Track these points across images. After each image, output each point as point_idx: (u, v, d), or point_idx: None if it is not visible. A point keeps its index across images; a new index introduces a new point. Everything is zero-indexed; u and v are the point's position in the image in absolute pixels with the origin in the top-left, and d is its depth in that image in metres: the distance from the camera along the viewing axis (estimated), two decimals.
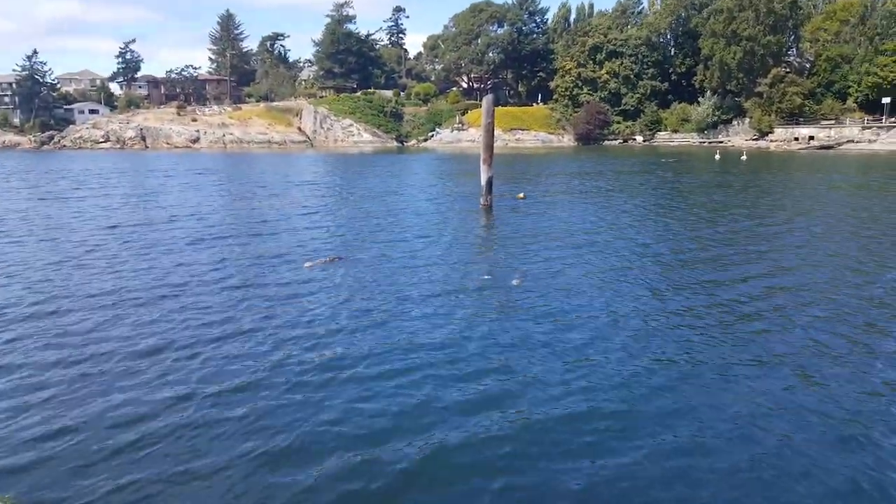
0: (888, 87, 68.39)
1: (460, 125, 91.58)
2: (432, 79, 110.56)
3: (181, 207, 27.06)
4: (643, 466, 6.75)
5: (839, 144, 68.78)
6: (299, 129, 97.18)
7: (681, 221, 23.29)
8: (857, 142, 68.26)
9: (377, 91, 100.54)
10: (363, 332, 10.78)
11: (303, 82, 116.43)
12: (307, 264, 15.63)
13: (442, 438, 7.31)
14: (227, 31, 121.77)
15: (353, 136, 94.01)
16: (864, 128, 69.89)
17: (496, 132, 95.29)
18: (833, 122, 72.56)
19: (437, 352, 9.91)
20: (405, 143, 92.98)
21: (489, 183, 26.88)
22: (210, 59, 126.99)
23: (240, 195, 31.85)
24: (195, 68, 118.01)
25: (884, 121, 69.36)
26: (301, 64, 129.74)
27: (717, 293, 13.23)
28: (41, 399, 8.33)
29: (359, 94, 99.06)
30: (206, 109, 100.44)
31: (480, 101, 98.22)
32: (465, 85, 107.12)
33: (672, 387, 8.68)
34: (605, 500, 6.25)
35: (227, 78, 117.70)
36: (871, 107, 71.37)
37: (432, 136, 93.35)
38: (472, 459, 6.90)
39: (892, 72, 68.22)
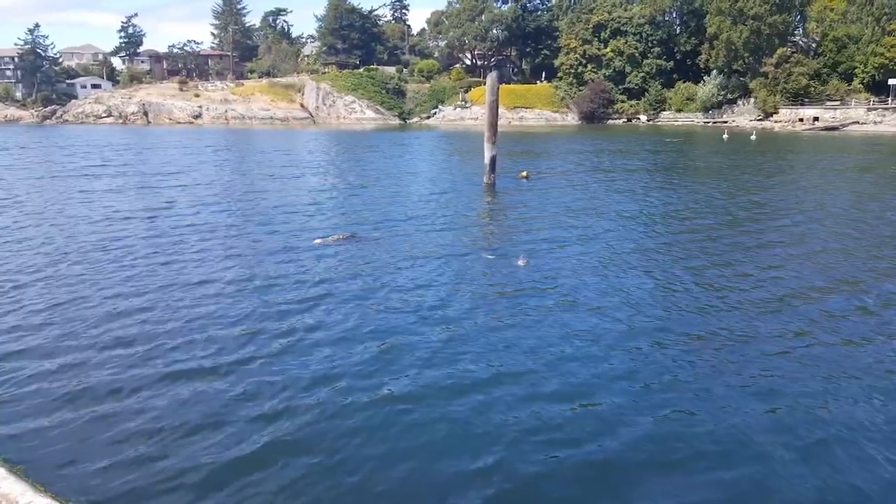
0: (894, 67, 67.90)
1: (463, 102, 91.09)
2: (436, 55, 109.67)
3: (188, 184, 27.17)
4: (651, 448, 6.97)
5: (844, 126, 68.36)
6: (301, 105, 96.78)
7: (692, 203, 23.29)
8: (863, 123, 67.84)
9: (380, 67, 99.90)
10: (374, 309, 10.97)
11: (305, 58, 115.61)
12: (317, 240, 15.82)
13: (450, 413, 7.53)
14: (230, 6, 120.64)
15: (355, 112, 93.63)
16: (869, 109, 69.44)
17: (500, 110, 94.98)
18: (838, 103, 72.08)
19: (443, 328, 10.12)
20: (408, 121, 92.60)
21: (493, 161, 26.96)
22: (212, 34, 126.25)
23: (247, 172, 31.92)
24: (197, 43, 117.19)
25: (890, 102, 68.94)
26: (304, 39, 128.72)
27: (727, 273, 13.40)
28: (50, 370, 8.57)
29: (361, 70, 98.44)
30: (209, 85, 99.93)
31: (484, 78, 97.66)
32: (468, 62, 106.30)
33: (677, 364, 8.89)
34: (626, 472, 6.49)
35: (229, 53, 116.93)
36: (877, 88, 70.92)
37: (435, 113, 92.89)
38: (482, 430, 7.13)
39: None
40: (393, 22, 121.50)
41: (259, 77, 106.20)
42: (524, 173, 29.84)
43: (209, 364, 8.75)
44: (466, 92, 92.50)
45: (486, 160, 26.95)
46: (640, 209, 21.55)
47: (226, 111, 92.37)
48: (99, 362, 8.79)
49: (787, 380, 8.38)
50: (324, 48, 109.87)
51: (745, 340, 9.72)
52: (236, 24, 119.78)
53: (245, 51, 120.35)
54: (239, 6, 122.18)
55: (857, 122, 68.43)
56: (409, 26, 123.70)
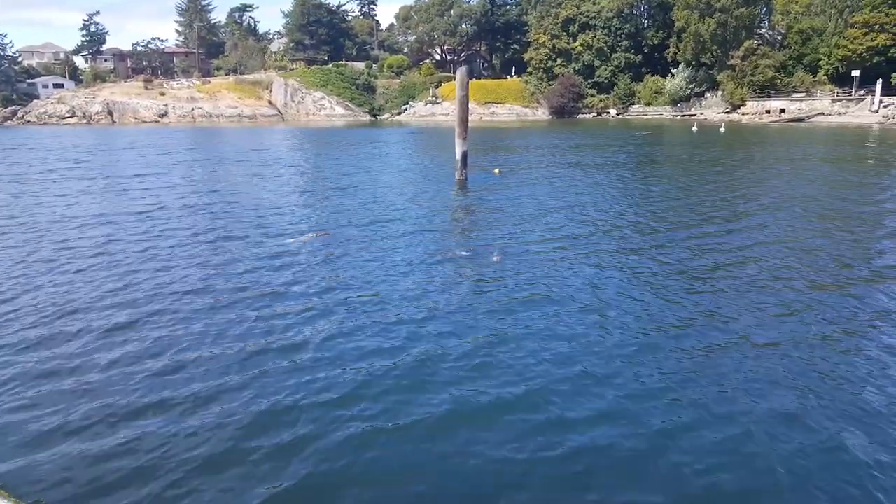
0: (857, 60, 69.06)
1: (434, 98, 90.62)
2: (405, 51, 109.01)
3: (160, 186, 26.35)
4: (628, 440, 6.73)
5: (810, 117, 69.42)
6: (270, 102, 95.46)
7: (666, 195, 23.23)
8: (828, 114, 68.91)
9: (349, 63, 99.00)
10: (350, 307, 10.61)
11: (273, 55, 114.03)
12: (291, 240, 15.42)
13: (426, 410, 7.20)
14: (195, 3, 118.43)
15: (324, 109, 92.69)
16: (834, 100, 70.57)
17: (470, 105, 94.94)
18: (804, 94, 73.16)
19: (420, 325, 9.77)
20: (378, 117, 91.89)
21: (464, 157, 26.66)
22: (177, 31, 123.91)
23: (219, 172, 31.09)
24: (162, 41, 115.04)
25: (853, 93, 70.12)
26: (271, 36, 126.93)
27: (706, 263, 13.25)
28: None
29: (330, 66, 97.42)
30: (175, 83, 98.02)
31: (454, 73, 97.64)
32: (438, 57, 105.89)
33: (645, 355, 8.66)
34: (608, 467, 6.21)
35: (195, 51, 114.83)
36: (841, 80, 72.11)
37: (406, 109, 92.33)
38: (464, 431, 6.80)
39: (861, 45, 68.73)
40: (361, 17, 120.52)
41: (226, 74, 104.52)
42: (497, 169, 29.59)
43: (197, 375, 8.29)
44: (437, 87, 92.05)
45: (458, 156, 26.65)
46: (613, 203, 21.42)
47: (192, 109, 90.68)
48: (61, 367, 8.27)
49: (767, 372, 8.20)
50: (291, 44, 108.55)
51: (727, 329, 9.53)
52: (201, 21, 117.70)
53: (211, 48, 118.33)
54: (204, 2, 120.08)
55: (823, 114, 69.50)
56: (377, 21, 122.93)
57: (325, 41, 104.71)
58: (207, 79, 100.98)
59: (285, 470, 6.30)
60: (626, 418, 7.25)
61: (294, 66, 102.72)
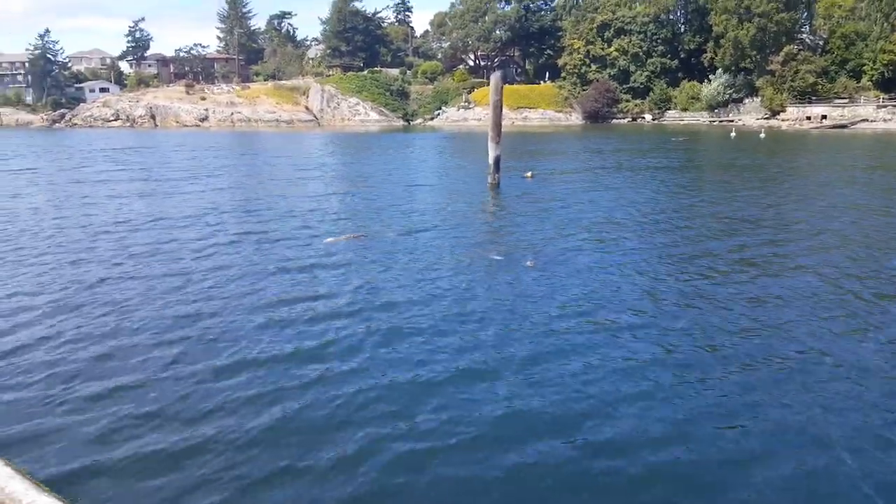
0: None
1: (467, 104, 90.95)
2: (439, 57, 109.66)
3: (208, 187, 27.05)
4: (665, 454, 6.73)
5: (853, 124, 67.83)
6: (306, 107, 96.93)
7: (706, 202, 22.97)
8: (872, 121, 67.30)
9: (383, 69, 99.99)
10: (384, 308, 10.79)
11: (310, 61, 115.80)
12: (329, 239, 15.79)
13: (456, 415, 7.31)
14: (235, 10, 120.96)
15: (359, 114, 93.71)
16: (879, 106, 68.87)
17: (503, 111, 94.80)
18: (847, 100, 71.55)
19: (453, 329, 9.90)
20: (411, 122, 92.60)
21: (497, 161, 26.71)
22: (218, 37, 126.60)
23: (260, 175, 31.77)
24: (203, 47, 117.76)
25: None
26: (308, 42, 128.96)
27: (736, 278, 13.13)
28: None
29: (365, 72, 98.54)
30: (215, 88, 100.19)
31: (487, 79, 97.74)
32: (471, 63, 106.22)
33: (681, 374, 8.64)
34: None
35: (235, 56, 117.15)
36: (886, 85, 70.35)
37: (438, 114, 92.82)
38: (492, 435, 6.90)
39: None
40: (396, 24, 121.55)
41: (264, 80, 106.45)
42: (529, 173, 29.61)
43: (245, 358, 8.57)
44: (469, 93, 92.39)
45: (491, 160, 26.71)
46: (651, 209, 21.18)
47: (231, 114, 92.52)
48: (114, 368, 8.60)
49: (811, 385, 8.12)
50: (328, 51, 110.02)
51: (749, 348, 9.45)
52: (241, 28, 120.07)
53: (250, 54, 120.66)
54: (244, 10, 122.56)
55: (867, 120, 67.90)
56: (412, 28, 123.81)
57: (360, 48, 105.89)
58: (247, 84, 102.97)
59: (340, 485, 6.15)
60: (693, 441, 6.83)
61: (331, 72, 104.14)
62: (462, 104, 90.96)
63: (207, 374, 8.40)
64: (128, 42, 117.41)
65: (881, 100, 69.96)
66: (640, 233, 17.27)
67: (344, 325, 10.16)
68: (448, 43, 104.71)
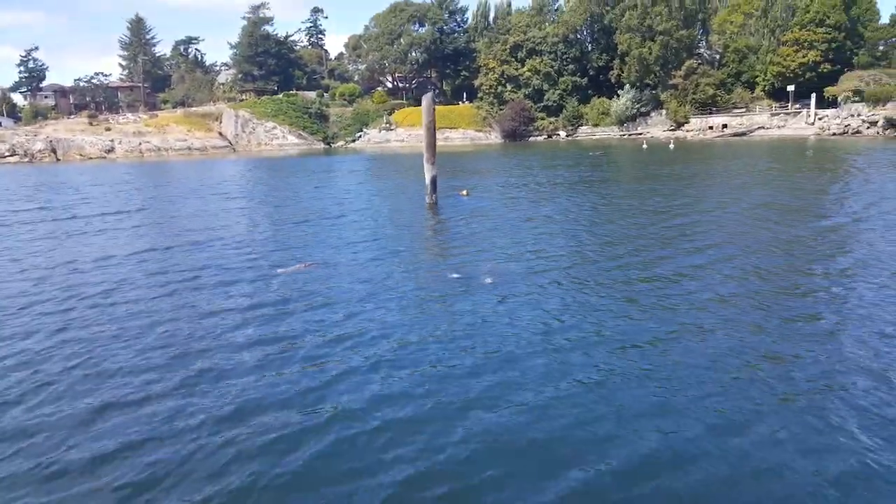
0: (791, 75, 72.52)
1: (388, 125, 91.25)
2: (356, 79, 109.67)
3: (128, 224, 25.85)
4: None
5: (751, 131, 72.47)
6: (220, 133, 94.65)
7: (631, 209, 23.96)
8: (767, 128, 72.10)
9: (300, 92, 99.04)
10: (358, 340, 10.62)
11: (221, 86, 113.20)
12: (280, 270, 15.36)
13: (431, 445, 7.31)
14: (138, 36, 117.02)
15: (277, 138, 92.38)
16: (772, 114, 73.90)
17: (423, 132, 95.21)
18: (744, 110, 76.40)
19: (429, 353, 9.89)
20: (332, 145, 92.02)
21: (434, 181, 26.96)
22: (121, 65, 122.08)
23: (181, 207, 30.65)
24: (105, 75, 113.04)
25: (789, 107, 73.53)
26: (218, 67, 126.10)
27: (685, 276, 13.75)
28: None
29: (281, 96, 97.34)
30: (120, 118, 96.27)
31: (407, 100, 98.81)
32: (389, 84, 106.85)
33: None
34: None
35: (140, 84, 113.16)
36: (777, 94, 75.55)
37: (360, 136, 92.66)
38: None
39: (793, 61, 72.28)
40: (309, 47, 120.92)
41: (173, 107, 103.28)
42: (465, 191, 29.99)
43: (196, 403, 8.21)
44: (390, 114, 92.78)
45: (427, 180, 26.93)
46: (588, 220, 21.95)
47: (140, 144, 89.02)
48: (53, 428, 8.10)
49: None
50: (239, 75, 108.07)
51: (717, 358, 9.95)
52: (146, 55, 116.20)
53: (156, 81, 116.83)
54: (148, 36, 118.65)
55: (763, 127, 72.68)
56: (326, 51, 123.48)
57: (274, 71, 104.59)
58: (155, 112, 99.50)
59: None
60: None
61: (243, 96, 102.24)
62: (383, 126, 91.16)
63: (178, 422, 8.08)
64: (20, 72, 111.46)
65: (774, 108, 75.10)
66: (576, 243, 17.83)
67: (331, 358, 9.97)
68: (364, 65, 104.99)
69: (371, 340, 10.49)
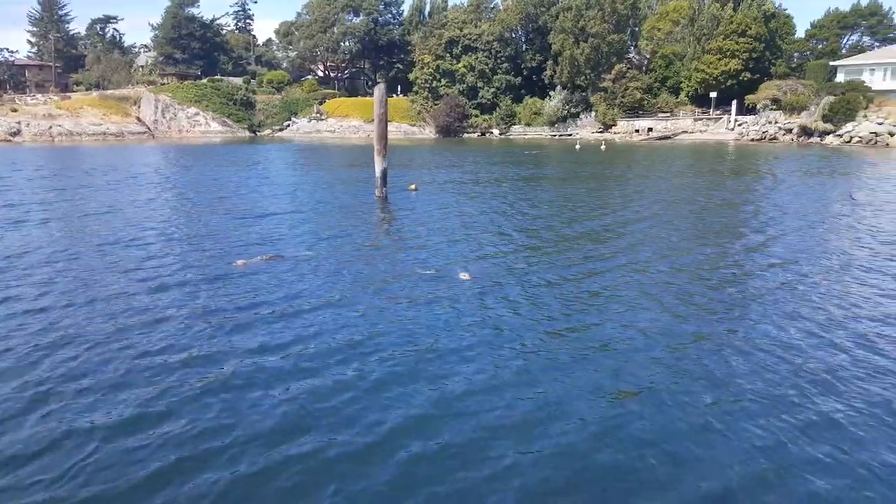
0: (714, 82, 75.38)
1: (319, 115, 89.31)
2: (284, 66, 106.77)
3: (35, 219, 23.89)
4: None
5: (675, 135, 75.02)
6: (138, 119, 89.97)
7: (578, 205, 24.12)
8: (691, 132, 74.85)
9: (225, 78, 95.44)
10: (347, 340, 10.00)
11: (140, 69, 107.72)
12: (239, 262, 14.43)
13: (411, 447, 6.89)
14: (50, 12, 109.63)
15: (199, 125, 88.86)
16: (696, 119, 76.76)
17: (358, 122, 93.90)
18: (669, 114, 79.00)
19: (420, 355, 9.41)
20: (258, 133, 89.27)
21: (384, 174, 26.35)
22: (30, 41, 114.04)
23: (115, 195, 28.68)
24: (11, 52, 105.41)
25: (711, 113, 76.57)
26: (137, 49, 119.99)
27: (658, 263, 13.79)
28: None
29: (205, 81, 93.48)
30: (29, 98, 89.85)
31: (339, 90, 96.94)
32: (321, 74, 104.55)
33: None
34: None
35: (51, 64, 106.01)
36: (700, 100, 78.45)
37: (289, 125, 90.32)
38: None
39: (716, 69, 75.08)
40: (237, 32, 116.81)
41: (87, 89, 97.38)
42: (413, 186, 29.49)
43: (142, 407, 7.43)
44: (321, 103, 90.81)
45: (378, 173, 26.30)
46: (536, 213, 22.01)
47: (50, 127, 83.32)
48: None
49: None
50: (160, 58, 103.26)
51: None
52: (58, 32, 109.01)
53: (69, 61, 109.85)
54: (61, 12, 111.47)
55: (686, 132, 75.37)
56: (254, 36, 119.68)
57: (198, 55, 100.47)
58: (67, 94, 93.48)
59: None
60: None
61: (165, 80, 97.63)
62: (314, 115, 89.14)
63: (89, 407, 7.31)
64: None
65: (696, 113, 78.03)
66: (548, 235, 17.75)
67: (274, 355, 9.32)
68: (295, 52, 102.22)
69: (334, 343, 9.93)
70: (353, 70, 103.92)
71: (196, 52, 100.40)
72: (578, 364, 9.08)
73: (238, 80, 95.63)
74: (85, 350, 9.36)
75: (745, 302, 12.04)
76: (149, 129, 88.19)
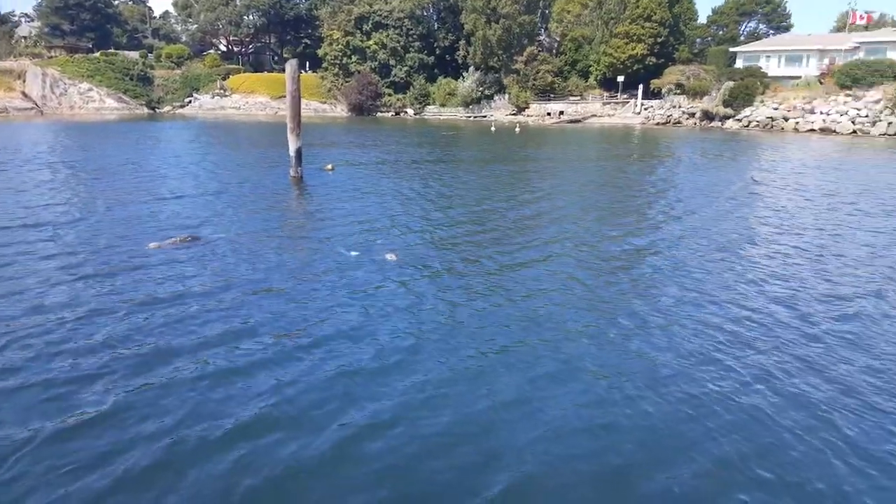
0: (621, 66, 77.16)
1: (222, 91, 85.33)
2: (184, 40, 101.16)
3: None
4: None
5: (585, 118, 76.44)
6: (24, 94, 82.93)
7: (495, 183, 23.94)
8: (600, 116, 76.49)
9: (120, 52, 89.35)
10: (281, 324, 9.17)
11: (22, 40, 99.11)
12: (153, 244, 13.20)
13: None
14: None
15: (93, 101, 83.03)
16: (604, 103, 78.48)
17: (264, 99, 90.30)
18: (579, 98, 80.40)
19: (365, 339, 8.74)
20: (157, 110, 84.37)
21: (299, 153, 25.24)
22: None
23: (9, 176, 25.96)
24: None
25: (619, 97, 78.53)
26: (17, 18, 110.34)
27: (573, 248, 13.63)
28: None
29: (98, 54, 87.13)
30: None
31: (243, 66, 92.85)
32: (223, 48, 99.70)
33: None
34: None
35: None
36: (608, 84, 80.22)
37: (191, 102, 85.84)
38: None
39: (623, 53, 76.85)
40: (131, 3, 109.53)
41: None
42: (330, 165, 28.43)
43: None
44: (224, 79, 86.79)
45: (292, 151, 25.16)
46: (458, 194, 21.65)
47: None
48: None
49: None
50: (46, 29, 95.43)
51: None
52: None
53: None
54: None
55: (595, 115, 76.95)
56: (150, 8, 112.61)
57: (88, 27, 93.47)
58: None
59: None
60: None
61: (52, 54, 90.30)
62: (217, 91, 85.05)
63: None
64: None
65: (605, 97, 79.79)
66: (458, 217, 17.50)
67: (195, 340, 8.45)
68: (196, 26, 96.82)
69: (261, 329, 9.13)
70: (259, 45, 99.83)
71: (86, 23, 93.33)
72: (504, 337, 8.83)
73: (134, 55, 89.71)
74: None
75: (655, 276, 12.34)
76: (37, 105, 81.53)
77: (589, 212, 19.39)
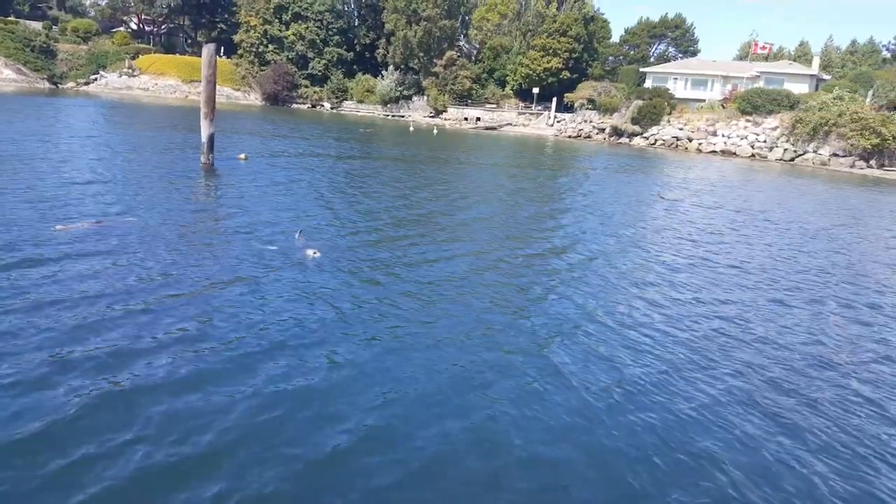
0: (537, 78, 79.60)
1: (131, 70, 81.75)
2: (92, 14, 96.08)
3: None
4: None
5: (500, 127, 78.32)
6: None
7: (415, 184, 24.55)
8: (515, 125, 78.60)
9: (21, 21, 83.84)
10: (186, 314, 9.35)
11: None
12: (59, 227, 12.92)
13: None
14: None
15: None
16: (519, 113, 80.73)
17: (175, 82, 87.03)
18: (495, 106, 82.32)
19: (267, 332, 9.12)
20: (60, 86, 79.75)
21: (211, 140, 24.89)
22: None
23: None
24: None
25: (533, 108, 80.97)
26: None
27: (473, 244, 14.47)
28: None
29: None
30: None
31: (154, 46, 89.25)
32: (134, 27, 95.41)
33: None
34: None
35: None
36: (524, 95, 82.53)
37: (96, 79, 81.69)
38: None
39: (539, 66, 79.30)
40: None
41: None
42: (243, 155, 28.16)
43: None
44: (134, 58, 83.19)
45: (204, 138, 24.78)
46: (375, 191, 22.09)
47: None
48: None
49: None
50: None
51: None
52: None
53: None
54: None
55: (511, 124, 79.01)
56: None
57: None
58: None
59: None
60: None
61: None
62: (125, 70, 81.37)
63: None
64: None
65: (520, 107, 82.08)
66: (377, 212, 17.95)
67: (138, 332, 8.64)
68: (105, 1, 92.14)
69: (173, 317, 9.39)
70: (172, 26, 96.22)
71: None
72: (423, 337, 9.34)
73: (37, 25, 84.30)
74: None
75: (566, 281, 13.16)
76: None
77: (507, 218, 20.23)
